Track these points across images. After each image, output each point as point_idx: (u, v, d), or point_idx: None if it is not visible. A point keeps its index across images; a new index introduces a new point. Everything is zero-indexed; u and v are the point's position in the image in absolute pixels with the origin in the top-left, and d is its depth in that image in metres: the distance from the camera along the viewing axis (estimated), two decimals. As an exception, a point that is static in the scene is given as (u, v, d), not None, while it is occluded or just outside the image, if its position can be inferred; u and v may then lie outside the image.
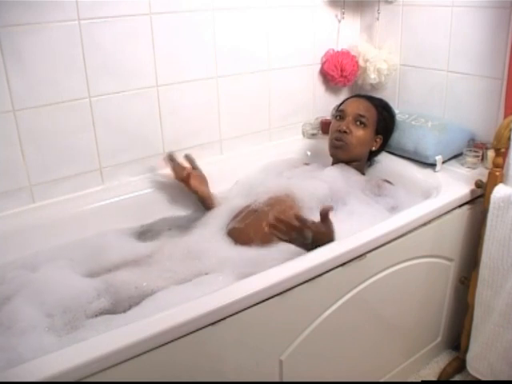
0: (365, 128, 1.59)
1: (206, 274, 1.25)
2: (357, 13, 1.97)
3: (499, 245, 1.32)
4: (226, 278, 1.19)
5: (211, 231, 1.45)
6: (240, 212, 1.50)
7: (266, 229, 1.33)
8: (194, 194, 1.58)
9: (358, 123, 1.58)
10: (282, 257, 1.21)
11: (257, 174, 1.72)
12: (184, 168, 1.55)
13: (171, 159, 1.54)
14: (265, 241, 1.35)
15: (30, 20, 1.30)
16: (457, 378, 1.59)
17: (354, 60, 1.92)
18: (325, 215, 1.18)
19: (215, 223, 1.49)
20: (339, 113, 1.64)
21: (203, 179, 1.60)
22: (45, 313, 1.11)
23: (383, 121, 1.64)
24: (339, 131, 1.58)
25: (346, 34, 1.96)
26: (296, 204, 1.44)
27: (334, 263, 1.17)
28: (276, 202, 1.46)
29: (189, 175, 1.53)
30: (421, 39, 1.78)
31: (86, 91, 1.45)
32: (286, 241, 1.20)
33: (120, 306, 1.16)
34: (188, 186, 1.56)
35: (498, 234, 1.31)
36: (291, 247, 1.23)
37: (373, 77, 1.88)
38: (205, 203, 1.60)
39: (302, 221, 1.16)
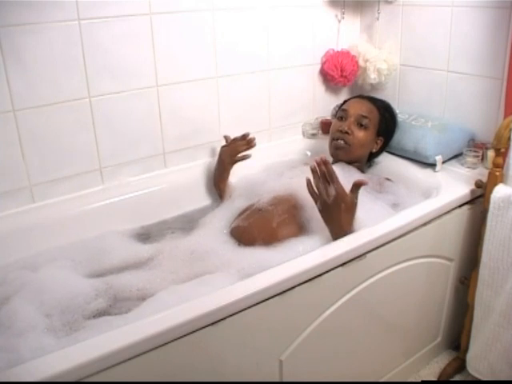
0: (366, 129, 1.58)
1: (210, 274, 1.25)
2: (357, 13, 1.97)
3: (499, 245, 1.32)
4: (230, 279, 1.19)
5: (214, 231, 1.45)
6: (243, 211, 1.50)
7: (275, 225, 1.38)
8: (225, 171, 1.66)
9: (360, 125, 1.58)
10: (288, 257, 1.20)
11: (257, 174, 1.73)
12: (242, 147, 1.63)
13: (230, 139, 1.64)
14: (269, 240, 1.35)
15: (30, 20, 1.31)
16: (457, 377, 1.59)
17: (354, 60, 1.92)
18: (357, 186, 1.22)
19: (218, 223, 1.49)
20: (341, 113, 1.63)
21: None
22: (44, 313, 1.11)
23: (385, 123, 1.64)
24: (340, 131, 1.58)
25: (346, 34, 1.96)
26: (299, 203, 1.44)
27: (334, 263, 1.17)
28: (280, 201, 1.46)
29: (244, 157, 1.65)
30: (421, 39, 1.78)
31: (86, 91, 1.45)
32: (311, 193, 1.26)
33: (120, 307, 1.16)
34: (232, 163, 1.65)
35: (498, 233, 1.31)
36: (296, 248, 1.24)
37: (373, 77, 1.88)
38: (221, 183, 1.67)
39: (335, 177, 1.21)
